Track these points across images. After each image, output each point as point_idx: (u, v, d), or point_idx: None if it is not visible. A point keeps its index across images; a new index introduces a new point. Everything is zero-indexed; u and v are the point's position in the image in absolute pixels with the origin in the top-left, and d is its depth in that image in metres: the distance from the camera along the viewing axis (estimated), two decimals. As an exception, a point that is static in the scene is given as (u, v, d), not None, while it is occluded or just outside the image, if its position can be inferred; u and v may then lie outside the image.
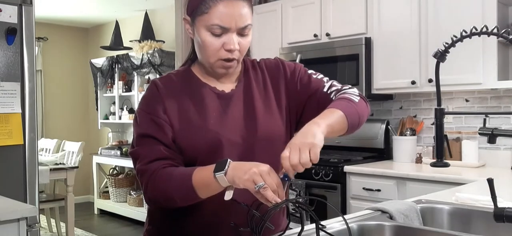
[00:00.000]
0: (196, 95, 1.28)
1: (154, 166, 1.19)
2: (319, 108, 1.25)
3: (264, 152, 1.27)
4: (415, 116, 3.48)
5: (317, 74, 1.39)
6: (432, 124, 3.34)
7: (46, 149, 5.38)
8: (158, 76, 5.62)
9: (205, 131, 1.23)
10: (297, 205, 1.16)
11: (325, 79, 1.38)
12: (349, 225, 1.33)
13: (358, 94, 1.32)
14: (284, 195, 1.07)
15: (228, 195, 1.10)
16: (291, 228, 1.29)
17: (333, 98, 1.30)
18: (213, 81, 1.32)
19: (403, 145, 3.33)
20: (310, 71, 1.39)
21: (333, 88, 1.34)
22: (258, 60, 1.42)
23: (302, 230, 1.15)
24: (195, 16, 1.23)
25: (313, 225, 1.29)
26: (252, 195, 1.07)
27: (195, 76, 1.32)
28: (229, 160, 1.11)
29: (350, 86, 1.38)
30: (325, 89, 1.33)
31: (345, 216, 1.44)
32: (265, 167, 1.06)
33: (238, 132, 1.26)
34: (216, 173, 1.09)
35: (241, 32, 1.23)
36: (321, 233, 1.13)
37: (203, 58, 1.27)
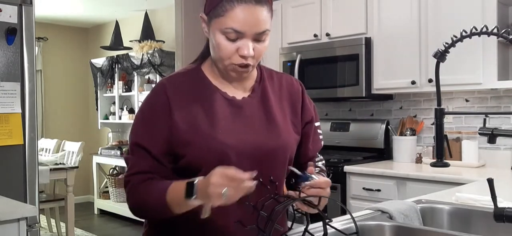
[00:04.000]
0: (206, 100, 1.25)
1: (136, 179, 1.21)
2: (299, 158, 1.34)
3: (275, 163, 1.25)
4: (415, 116, 3.48)
5: (321, 133, 1.43)
6: (432, 124, 3.34)
7: (46, 149, 5.38)
8: (158, 76, 5.67)
9: (213, 139, 1.20)
10: (303, 202, 1.16)
11: (321, 143, 1.44)
12: (349, 225, 1.33)
13: None
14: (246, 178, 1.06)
15: (206, 214, 1.10)
16: (291, 228, 1.29)
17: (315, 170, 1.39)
18: (224, 85, 1.29)
19: (403, 145, 3.33)
20: (318, 124, 1.42)
21: (319, 164, 1.42)
22: (276, 71, 1.41)
23: (307, 226, 1.14)
24: (212, 18, 1.20)
25: (315, 225, 1.29)
26: (258, 195, 1.08)
27: (205, 77, 1.29)
28: (196, 181, 1.10)
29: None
30: (316, 159, 1.41)
31: (345, 217, 1.44)
32: (214, 178, 1.05)
33: (249, 141, 1.23)
34: (187, 199, 1.10)
35: (258, 38, 1.19)
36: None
37: (217, 60, 1.24)
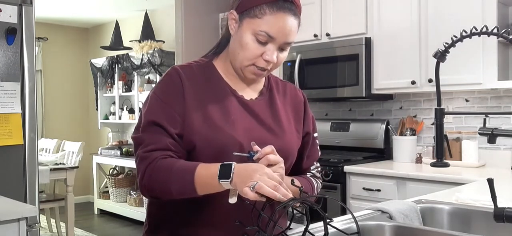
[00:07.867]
0: (217, 94, 1.27)
1: (156, 155, 1.17)
2: (295, 166, 1.38)
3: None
4: (415, 116, 3.48)
5: (318, 144, 1.47)
6: (432, 124, 3.34)
7: (46, 149, 5.38)
8: (158, 76, 5.67)
9: (222, 133, 1.21)
10: (305, 203, 1.16)
11: (319, 153, 1.48)
12: (349, 225, 1.33)
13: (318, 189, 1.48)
14: (286, 190, 1.07)
15: (233, 200, 1.10)
16: (291, 228, 1.29)
17: (307, 175, 1.44)
18: (234, 83, 1.30)
19: (403, 145, 3.33)
20: (316, 135, 1.45)
21: (315, 172, 1.47)
22: (280, 78, 1.45)
23: (307, 226, 1.14)
24: (245, 17, 1.22)
25: (315, 224, 1.29)
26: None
27: (217, 72, 1.30)
28: (233, 165, 1.09)
29: (320, 179, 1.53)
30: (312, 167, 1.45)
31: (345, 216, 1.44)
32: (257, 172, 1.06)
33: (257, 139, 1.23)
34: (220, 180, 1.09)
35: (283, 47, 1.25)
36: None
37: (237, 58, 1.25)
